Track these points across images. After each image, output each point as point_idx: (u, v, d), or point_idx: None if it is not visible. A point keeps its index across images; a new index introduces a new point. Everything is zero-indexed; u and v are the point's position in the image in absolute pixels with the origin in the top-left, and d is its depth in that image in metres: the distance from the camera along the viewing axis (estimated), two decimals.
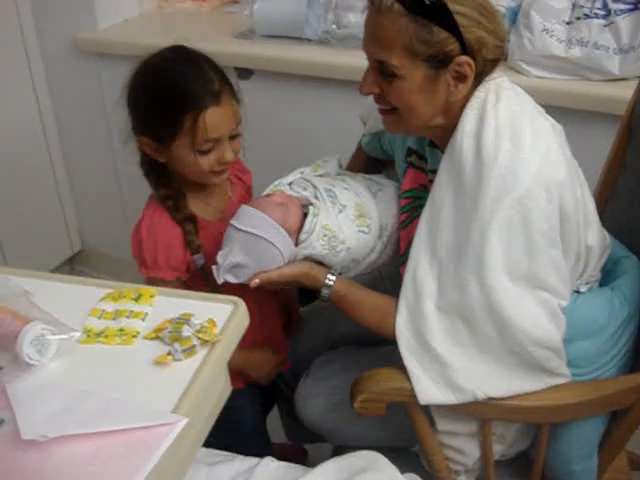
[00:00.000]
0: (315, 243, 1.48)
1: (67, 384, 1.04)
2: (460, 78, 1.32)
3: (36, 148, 2.94)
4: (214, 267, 1.46)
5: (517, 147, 1.30)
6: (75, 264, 3.26)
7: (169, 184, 1.55)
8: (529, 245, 1.31)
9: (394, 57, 1.31)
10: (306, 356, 1.79)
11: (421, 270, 1.40)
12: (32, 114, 2.88)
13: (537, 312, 1.34)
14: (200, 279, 1.58)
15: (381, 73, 1.36)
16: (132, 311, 1.19)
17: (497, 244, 1.30)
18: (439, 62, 1.30)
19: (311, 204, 1.51)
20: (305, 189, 1.56)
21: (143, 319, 1.18)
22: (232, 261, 1.45)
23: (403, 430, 1.56)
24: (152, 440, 0.94)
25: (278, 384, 1.91)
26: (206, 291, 1.40)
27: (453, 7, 1.26)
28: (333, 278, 1.49)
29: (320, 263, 1.52)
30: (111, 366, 1.10)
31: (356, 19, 2.25)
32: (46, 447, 0.94)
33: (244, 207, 1.50)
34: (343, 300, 1.49)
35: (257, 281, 1.47)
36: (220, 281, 1.46)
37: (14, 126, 2.80)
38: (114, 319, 1.18)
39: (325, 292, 1.49)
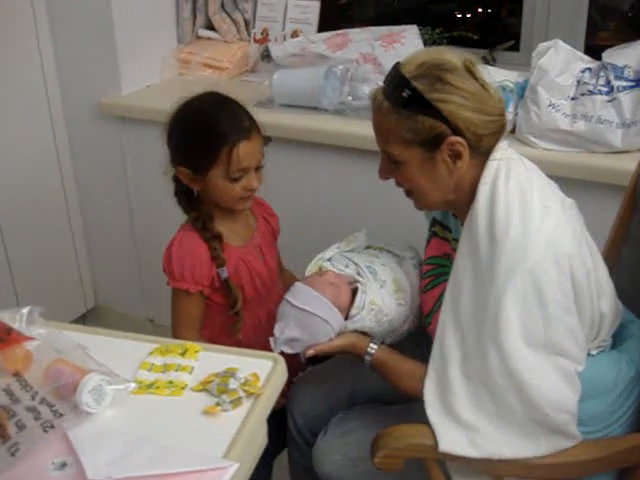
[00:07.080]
0: (365, 318, 1.64)
1: (123, 431, 1.12)
2: (456, 156, 1.44)
3: (55, 207, 3.00)
4: (271, 339, 1.61)
5: (526, 223, 1.38)
6: (88, 321, 3.28)
7: (199, 209, 1.76)
8: (544, 313, 1.37)
9: (392, 147, 1.47)
10: (324, 413, 1.84)
11: (447, 338, 1.48)
12: (53, 174, 2.95)
13: (554, 377, 1.40)
14: (222, 293, 1.78)
15: (389, 161, 1.51)
16: (180, 365, 1.27)
17: (512, 312, 1.37)
18: (431, 144, 1.43)
19: (358, 282, 1.67)
20: (347, 266, 1.71)
21: (190, 372, 1.26)
22: (288, 335, 1.60)
23: None
24: None
25: (295, 439, 1.95)
26: (226, 305, 1.67)
27: (431, 96, 1.39)
28: (375, 347, 1.61)
29: (363, 333, 1.65)
30: (163, 415, 1.18)
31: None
32: None
33: (299, 285, 1.66)
34: (383, 366, 1.61)
35: (312, 352, 1.60)
36: (276, 351, 1.59)
37: (36, 184, 2.86)
38: (163, 372, 1.26)
39: (367, 359, 1.61)
